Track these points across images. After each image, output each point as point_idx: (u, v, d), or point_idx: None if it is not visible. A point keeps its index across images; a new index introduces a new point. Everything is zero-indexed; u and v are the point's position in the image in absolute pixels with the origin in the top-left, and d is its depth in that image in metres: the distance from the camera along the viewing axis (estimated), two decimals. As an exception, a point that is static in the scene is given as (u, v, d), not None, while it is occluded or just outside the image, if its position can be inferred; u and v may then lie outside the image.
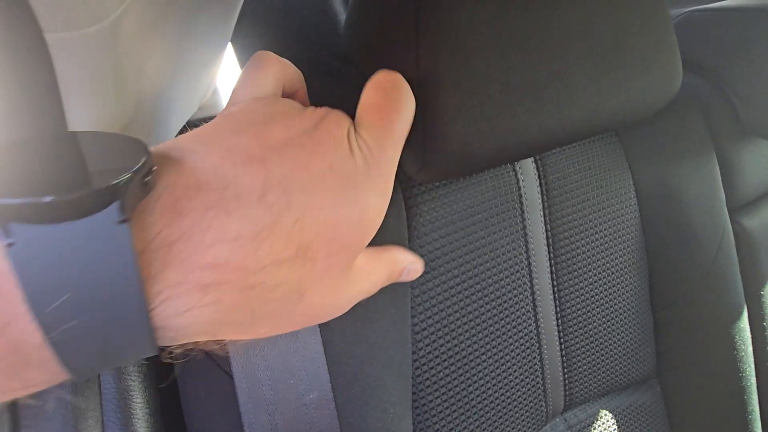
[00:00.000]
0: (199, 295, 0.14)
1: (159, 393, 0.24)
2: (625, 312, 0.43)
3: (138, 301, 0.13)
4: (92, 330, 0.13)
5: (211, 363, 0.24)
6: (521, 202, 0.36)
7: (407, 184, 0.31)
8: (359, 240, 0.19)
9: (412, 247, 0.31)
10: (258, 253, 0.15)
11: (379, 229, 0.30)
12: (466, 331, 0.34)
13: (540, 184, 0.37)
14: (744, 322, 0.44)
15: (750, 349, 0.44)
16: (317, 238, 0.16)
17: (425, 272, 0.31)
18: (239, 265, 0.15)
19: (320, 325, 0.26)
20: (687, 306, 0.44)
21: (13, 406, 0.19)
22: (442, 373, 0.33)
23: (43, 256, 0.12)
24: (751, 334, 0.45)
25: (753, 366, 0.45)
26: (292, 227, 0.16)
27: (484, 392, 0.35)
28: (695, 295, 0.43)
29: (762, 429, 0.45)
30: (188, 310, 0.14)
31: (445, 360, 0.33)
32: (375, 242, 0.29)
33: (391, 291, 0.29)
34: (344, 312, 0.19)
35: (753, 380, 0.45)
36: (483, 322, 0.35)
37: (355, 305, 0.28)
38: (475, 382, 0.35)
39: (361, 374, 0.27)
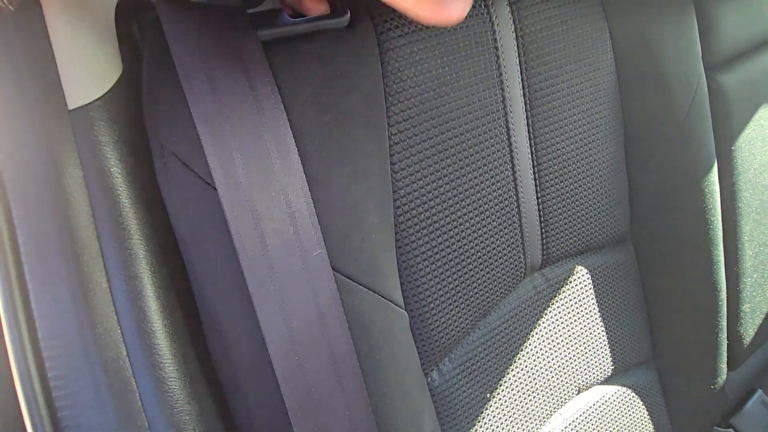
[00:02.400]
0: None
1: (146, 192, 0.25)
2: (601, 169, 0.44)
3: None
4: None
5: (192, 174, 0.25)
6: (496, 48, 0.36)
7: (380, 19, 0.31)
8: None
9: (386, 84, 0.31)
10: None
11: (353, 66, 0.30)
12: (445, 176, 0.35)
13: (515, 30, 0.36)
14: (714, 176, 0.46)
15: (718, 202, 0.47)
16: None
17: (402, 111, 0.32)
18: None
19: (298, 146, 0.27)
20: (660, 162, 0.46)
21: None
22: (423, 215, 0.35)
23: None
24: (720, 187, 0.47)
25: (720, 218, 0.47)
26: None
27: (464, 237, 0.37)
28: (668, 149, 0.45)
29: (726, 274, 0.48)
30: None
31: (425, 202, 0.34)
32: (348, 78, 0.30)
33: (366, 124, 0.30)
34: None
35: (719, 232, 0.47)
36: (461, 168, 0.36)
37: (332, 131, 0.29)
38: (456, 226, 0.37)
39: (343, 196, 0.28)
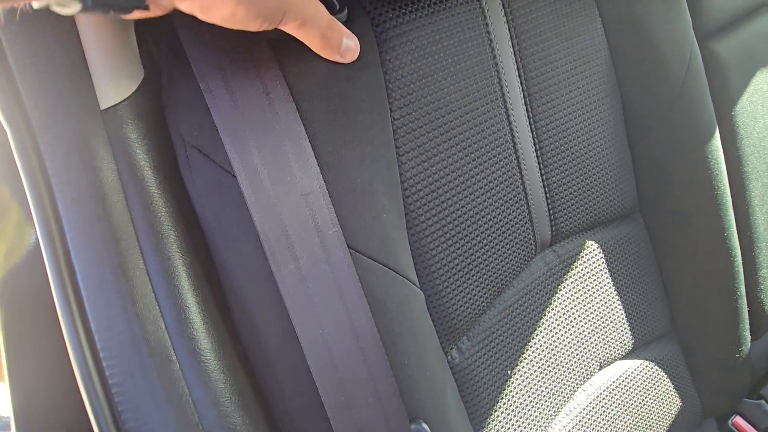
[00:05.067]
0: None
1: (172, 182, 0.28)
2: (602, 144, 0.45)
3: None
4: None
5: (213, 164, 0.27)
6: (488, 32, 0.37)
7: (375, 12, 0.33)
8: None
9: (385, 72, 0.33)
10: None
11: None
12: (449, 157, 0.37)
13: (505, 14, 0.38)
14: (716, 142, 0.46)
15: (723, 167, 0.47)
16: None
17: (402, 96, 0.34)
18: None
19: (307, 133, 0.29)
20: (661, 134, 0.46)
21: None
22: (430, 195, 0.36)
23: None
24: (724, 153, 0.47)
25: (727, 185, 0.47)
26: None
27: (472, 216, 0.39)
28: (668, 120, 0.46)
29: (739, 241, 0.48)
30: None
31: (432, 183, 0.36)
32: (349, 68, 0.32)
33: (370, 110, 0.32)
34: None
35: (728, 198, 0.48)
36: (464, 149, 0.37)
37: (338, 118, 0.30)
38: (464, 206, 0.38)
39: (352, 178, 0.30)
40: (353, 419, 0.28)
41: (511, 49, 0.39)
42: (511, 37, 0.38)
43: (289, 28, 0.27)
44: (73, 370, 0.22)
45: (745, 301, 0.51)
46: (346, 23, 0.32)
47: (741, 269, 0.49)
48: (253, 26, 0.24)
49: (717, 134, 0.46)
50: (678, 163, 0.47)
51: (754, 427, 0.54)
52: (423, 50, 0.34)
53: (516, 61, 0.39)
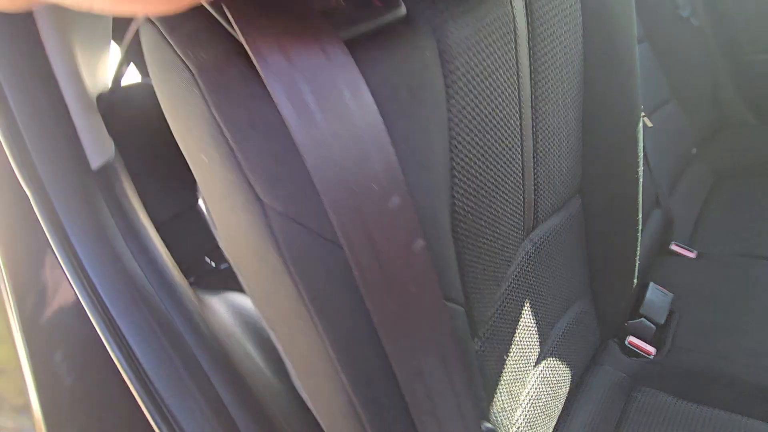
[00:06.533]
0: None
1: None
2: (573, 130, 0.49)
3: None
4: None
5: (307, 230, 0.20)
6: (515, 40, 0.35)
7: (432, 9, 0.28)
8: None
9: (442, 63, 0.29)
10: None
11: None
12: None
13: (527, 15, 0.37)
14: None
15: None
16: None
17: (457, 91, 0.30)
18: None
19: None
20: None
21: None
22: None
23: None
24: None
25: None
26: None
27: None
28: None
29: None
30: None
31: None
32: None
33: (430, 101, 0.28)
34: None
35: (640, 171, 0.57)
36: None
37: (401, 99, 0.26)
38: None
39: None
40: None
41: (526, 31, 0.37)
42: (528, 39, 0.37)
43: None
44: None
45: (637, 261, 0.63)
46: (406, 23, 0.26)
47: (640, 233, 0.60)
48: None
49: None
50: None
51: (644, 340, 0.70)
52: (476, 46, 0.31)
53: (529, 45, 0.38)
